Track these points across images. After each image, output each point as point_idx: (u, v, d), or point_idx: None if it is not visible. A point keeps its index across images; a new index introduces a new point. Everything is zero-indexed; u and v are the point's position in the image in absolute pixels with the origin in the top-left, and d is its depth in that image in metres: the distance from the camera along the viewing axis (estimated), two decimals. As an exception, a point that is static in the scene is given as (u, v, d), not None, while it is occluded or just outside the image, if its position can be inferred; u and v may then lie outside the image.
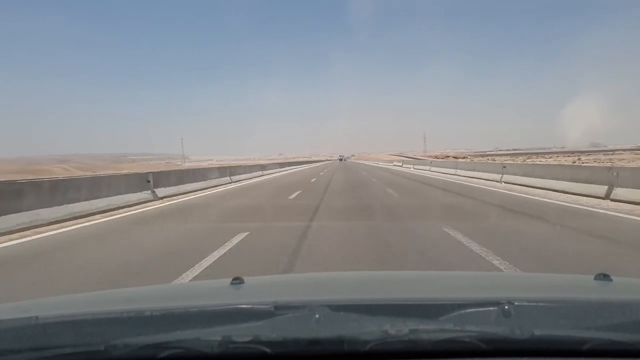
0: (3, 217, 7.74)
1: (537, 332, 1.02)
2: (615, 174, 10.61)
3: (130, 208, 11.42)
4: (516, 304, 1.14)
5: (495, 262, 4.84)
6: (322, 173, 29.67)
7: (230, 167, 25.46)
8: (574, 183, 12.04)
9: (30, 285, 4.60)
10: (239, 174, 25.58)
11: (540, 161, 46.77)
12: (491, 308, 1.13)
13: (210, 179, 19.95)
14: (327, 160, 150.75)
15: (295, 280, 2.28)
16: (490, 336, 1.03)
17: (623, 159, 47.84)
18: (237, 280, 1.59)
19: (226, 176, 22.70)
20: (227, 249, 5.92)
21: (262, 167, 35.01)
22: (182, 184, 16.45)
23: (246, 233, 6.94)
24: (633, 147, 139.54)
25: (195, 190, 16.81)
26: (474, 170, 22.25)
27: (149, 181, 13.61)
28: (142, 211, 11.08)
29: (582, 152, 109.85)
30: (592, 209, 9.10)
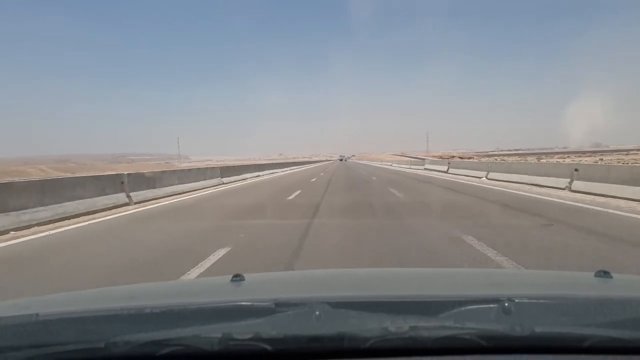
0: None
1: (538, 329, 1.02)
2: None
3: (95, 215, 9.89)
4: (516, 301, 1.14)
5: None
6: (314, 179, 24.70)
7: (222, 167, 23.56)
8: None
9: None
10: (232, 175, 23.87)
11: (556, 161, 45.95)
12: (491, 305, 1.13)
13: (197, 180, 18.34)
14: (326, 160, 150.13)
15: (296, 278, 2.27)
16: (491, 333, 1.03)
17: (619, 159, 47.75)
18: (238, 278, 1.59)
19: (216, 177, 21.06)
20: (200, 272, 4.74)
21: (258, 168, 33.06)
22: (165, 186, 14.97)
23: (227, 249, 5.74)
24: (636, 147, 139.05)
25: (182, 193, 15.62)
26: (517, 173, 16.52)
27: (122, 183, 12.21)
28: (107, 219, 9.54)
29: (584, 153, 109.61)
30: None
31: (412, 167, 40.33)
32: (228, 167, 26.21)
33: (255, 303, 1.27)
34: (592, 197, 10.85)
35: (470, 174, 21.53)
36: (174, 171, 18.64)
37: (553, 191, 12.69)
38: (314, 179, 24.99)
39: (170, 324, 1.12)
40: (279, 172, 38.68)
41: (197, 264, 5.03)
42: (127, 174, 13.17)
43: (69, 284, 4.58)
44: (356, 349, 1.02)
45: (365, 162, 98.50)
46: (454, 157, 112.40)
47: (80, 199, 10.18)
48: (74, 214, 9.56)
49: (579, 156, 72.69)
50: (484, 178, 19.15)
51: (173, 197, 14.59)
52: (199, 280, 2.89)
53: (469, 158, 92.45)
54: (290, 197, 13.87)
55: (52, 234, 7.79)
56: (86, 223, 8.98)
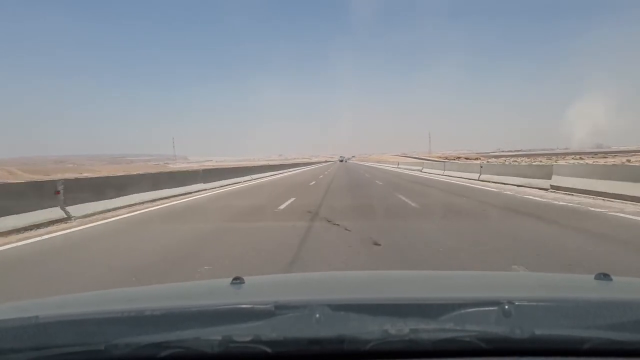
0: None
1: (538, 332, 1.02)
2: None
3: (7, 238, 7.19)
4: (516, 303, 1.14)
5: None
6: (312, 182, 22.85)
7: (204, 171, 20.77)
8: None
9: None
10: (218, 179, 20.98)
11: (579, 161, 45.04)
12: (491, 308, 1.13)
13: (172, 186, 15.60)
14: (326, 161, 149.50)
15: (296, 280, 2.27)
16: (491, 336, 1.03)
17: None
18: (238, 280, 1.60)
19: (198, 182, 18.41)
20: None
21: (249, 171, 29.34)
22: (128, 194, 12.18)
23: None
24: (638, 149, 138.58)
25: (153, 200, 13.05)
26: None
27: (58, 192, 9.24)
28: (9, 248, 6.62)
29: (585, 154, 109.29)
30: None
31: (427, 170, 33.81)
32: (213, 170, 23.51)
33: (255, 305, 1.27)
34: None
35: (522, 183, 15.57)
36: (143, 175, 15.70)
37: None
38: (312, 183, 22.88)
39: (170, 326, 1.12)
40: (276, 175, 35.98)
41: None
42: (63, 180, 10.28)
43: None
44: (356, 352, 1.02)
45: (367, 164, 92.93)
46: (459, 157, 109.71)
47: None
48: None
49: (580, 157, 72.57)
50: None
51: (134, 208, 11.67)
52: (199, 282, 2.88)
53: (475, 159, 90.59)
54: (282, 207, 11.37)
55: None
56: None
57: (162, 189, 14.74)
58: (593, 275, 1.53)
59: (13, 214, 7.97)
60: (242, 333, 1.04)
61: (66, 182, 10.03)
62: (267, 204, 12.26)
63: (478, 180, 19.75)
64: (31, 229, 7.97)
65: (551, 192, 13.04)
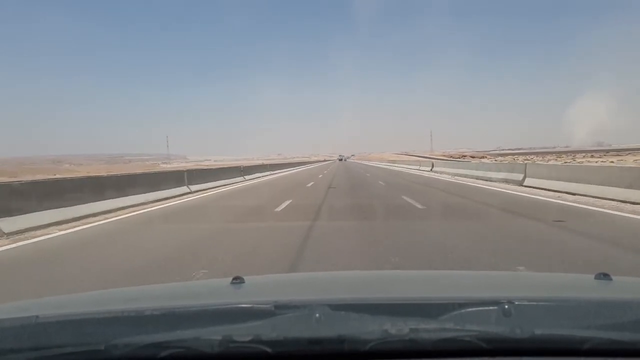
0: None
1: (538, 332, 1.02)
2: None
3: None
4: (516, 303, 1.14)
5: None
6: (310, 184, 20.84)
7: (189, 172, 18.05)
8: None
9: None
10: (206, 181, 18.70)
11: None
12: (491, 307, 1.13)
13: (148, 190, 13.09)
14: (325, 160, 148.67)
15: (296, 280, 2.27)
16: (491, 335, 1.03)
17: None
18: (238, 280, 1.59)
19: (183, 185, 16.13)
20: None
21: (243, 171, 26.39)
22: (83, 203, 9.84)
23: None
24: (637, 147, 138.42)
25: (125, 208, 11.16)
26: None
27: None
28: None
29: (581, 152, 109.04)
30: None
31: (438, 169, 28.78)
32: (201, 170, 21.03)
33: (255, 305, 1.27)
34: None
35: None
36: (108, 177, 13.38)
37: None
38: (309, 184, 21.01)
39: (170, 326, 1.12)
40: (272, 175, 33.35)
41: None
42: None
43: None
44: (356, 352, 1.01)
45: (367, 162, 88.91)
46: (465, 156, 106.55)
47: None
48: None
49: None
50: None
51: (103, 216, 9.98)
52: (199, 282, 2.88)
53: (482, 157, 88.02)
54: (278, 210, 10.50)
55: None
56: None
57: (140, 193, 12.51)
58: (593, 275, 1.54)
59: None
60: (242, 333, 1.04)
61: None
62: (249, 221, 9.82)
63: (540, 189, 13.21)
64: None
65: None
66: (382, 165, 61.99)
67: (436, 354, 1.02)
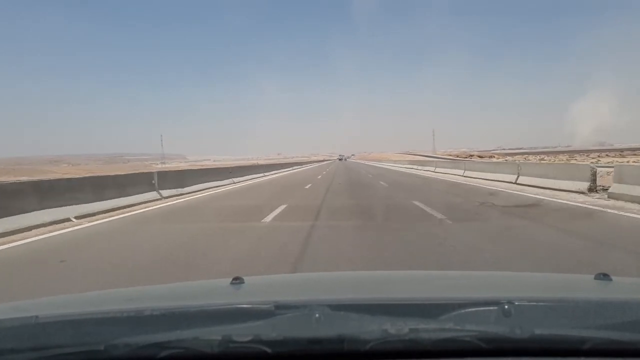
0: None
1: (537, 332, 1.02)
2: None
3: None
4: (516, 303, 1.14)
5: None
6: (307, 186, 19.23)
7: (161, 173, 15.38)
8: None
9: None
10: (185, 186, 16.12)
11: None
12: (491, 307, 1.13)
13: (102, 198, 10.82)
14: (324, 160, 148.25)
15: (296, 280, 2.27)
16: (491, 336, 1.03)
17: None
18: (237, 280, 1.60)
19: (153, 191, 13.66)
20: None
21: (231, 173, 23.24)
22: (28, 210, 8.28)
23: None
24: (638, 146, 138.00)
25: (51, 224, 8.55)
26: None
27: None
28: None
29: (579, 152, 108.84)
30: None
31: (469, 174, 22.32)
32: (179, 172, 18.41)
33: (255, 305, 1.27)
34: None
35: None
36: (58, 180, 11.64)
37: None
38: (307, 186, 19.50)
39: (170, 326, 1.11)
40: (263, 177, 29.98)
41: None
42: None
43: None
44: (356, 352, 1.01)
45: (368, 162, 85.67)
46: (472, 156, 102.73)
47: None
48: None
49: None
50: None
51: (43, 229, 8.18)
52: (198, 282, 2.87)
53: (490, 157, 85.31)
54: (267, 220, 8.85)
55: None
56: None
57: (90, 201, 10.36)
58: (593, 276, 1.54)
59: None
60: (242, 333, 1.04)
61: None
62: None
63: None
64: None
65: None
66: (389, 166, 54.38)
67: (436, 354, 1.02)
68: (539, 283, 1.81)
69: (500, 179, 18.14)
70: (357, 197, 14.54)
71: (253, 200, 14.38)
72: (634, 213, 8.67)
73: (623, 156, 53.24)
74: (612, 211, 9.00)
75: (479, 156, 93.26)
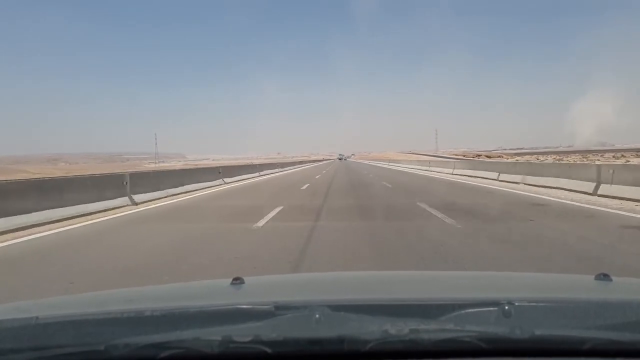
0: None
1: (538, 332, 1.02)
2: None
3: None
4: (516, 304, 1.14)
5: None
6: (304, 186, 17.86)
7: (134, 174, 12.81)
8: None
9: None
10: (165, 188, 14.28)
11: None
12: (491, 308, 1.13)
13: (60, 204, 9.26)
14: (323, 160, 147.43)
15: (296, 280, 2.27)
16: (491, 336, 1.03)
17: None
18: (238, 281, 1.59)
19: (123, 196, 11.63)
20: None
21: (221, 173, 21.05)
22: None
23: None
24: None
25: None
26: None
27: None
28: None
29: (576, 152, 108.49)
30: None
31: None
32: (159, 173, 16.23)
33: (255, 306, 1.27)
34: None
35: None
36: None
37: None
38: (304, 187, 18.01)
39: (170, 327, 1.12)
40: (258, 178, 27.45)
41: None
42: None
43: None
44: (356, 352, 1.01)
45: (369, 162, 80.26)
46: (479, 155, 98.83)
47: None
48: None
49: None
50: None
51: None
52: (199, 283, 2.87)
53: (497, 157, 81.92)
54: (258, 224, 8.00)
55: None
56: None
57: (48, 207, 8.96)
58: (593, 276, 1.54)
59: None
60: (242, 333, 1.04)
61: None
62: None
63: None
64: None
65: None
66: (400, 167, 44.55)
67: (436, 354, 1.02)
68: (539, 283, 1.81)
69: (571, 187, 12.37)
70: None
71: (239, 204, 12.49)
72: None
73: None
74: None
75: (487, 156, 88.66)
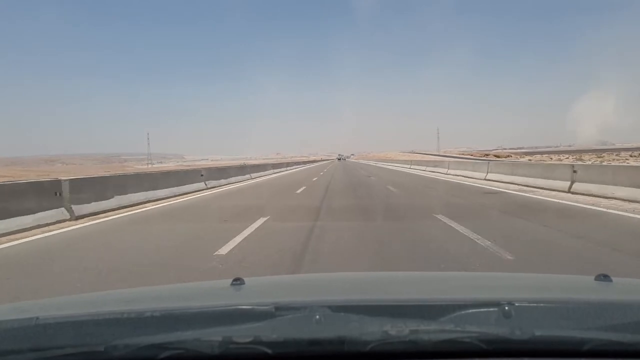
0: None
1: (538, 333, 1.03)
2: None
3: None
4: (516, 304, 1.14)
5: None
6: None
7: (74, 180, 10.12)
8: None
9: None
10: (120, 193, 11.55)
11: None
12: (492, 309, 1.13)
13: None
14: (322, 160, 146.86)
15: (296, 281, 2.27)
16: (491, 337, 1.04)
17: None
18: (238, 281, 1.59)
19: (55, 207, 8.95)
20: None
21: (203, 175, 18.64)
22: None
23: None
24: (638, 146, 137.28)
25: None
26: None
27: None
28: None
29: (574, 152, 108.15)
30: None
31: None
32: (116, 178, 12.80)
33: (255, 307, 1.27)
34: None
35: None
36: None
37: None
38: (299, 190, 16.48)
39: (170, 327, 1.12)
40: (247, 182, 23.80)
41: None
42: None
43: None
44: (356, 353, 1.01)
45: (370, 162, 75.66)
46: (487, 154, 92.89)
47: None
48: None
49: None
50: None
51: None
52: (199, 283, 2.87)
53: (506, 156, 76.94)
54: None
55: None
56: None
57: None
58: (593, 277, 1.54)
59: None
60: (242, 334, 1.04)
61: None
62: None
63: None
64: None
65: None
66: (413, 170, 35.36)
67: (436, 355, 1.02)
68: (539, 284, 1.81)
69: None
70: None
71: (211, 215, 10.31)
72: None
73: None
74: None
75: (496, 156, 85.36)
